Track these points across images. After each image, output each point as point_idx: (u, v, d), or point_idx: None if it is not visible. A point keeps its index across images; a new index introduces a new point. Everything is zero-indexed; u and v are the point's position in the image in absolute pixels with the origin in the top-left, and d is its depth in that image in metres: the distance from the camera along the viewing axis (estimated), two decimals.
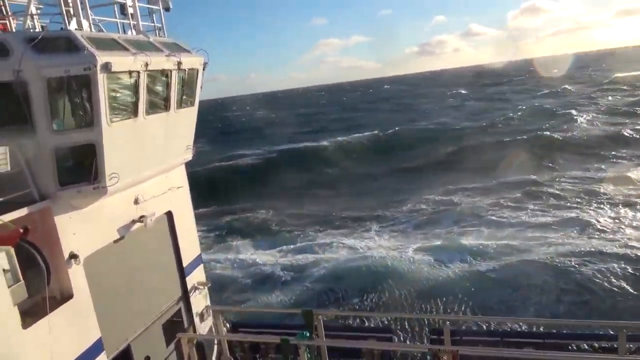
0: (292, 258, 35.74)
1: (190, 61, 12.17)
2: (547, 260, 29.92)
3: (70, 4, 9.77)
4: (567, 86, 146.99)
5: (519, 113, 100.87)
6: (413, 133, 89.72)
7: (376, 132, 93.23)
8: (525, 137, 73.21)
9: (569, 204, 42.10)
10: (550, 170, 56.31)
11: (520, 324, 19.96)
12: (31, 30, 9.96)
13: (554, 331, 19.89)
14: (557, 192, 45.90)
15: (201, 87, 13.16)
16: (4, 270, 7.83)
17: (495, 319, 22.09)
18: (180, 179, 14.31)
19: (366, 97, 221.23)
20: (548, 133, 73.94)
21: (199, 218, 17.26)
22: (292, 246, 38.50)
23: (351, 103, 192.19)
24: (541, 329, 20.14)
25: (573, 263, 29.31)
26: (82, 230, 10.19)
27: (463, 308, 26.35)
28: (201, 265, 15.67)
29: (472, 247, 33.67)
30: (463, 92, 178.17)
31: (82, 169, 9.71)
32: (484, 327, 20.61)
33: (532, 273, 28.77)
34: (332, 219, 45.78)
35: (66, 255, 9.74)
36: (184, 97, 12.49)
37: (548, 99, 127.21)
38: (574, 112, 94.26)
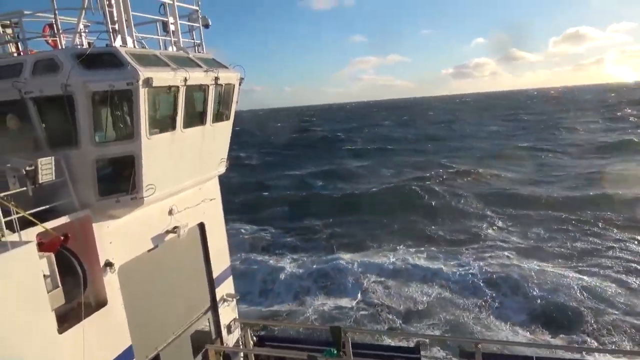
0: None
1: (227, 76, 12.47)
2: None
3: (116, 22, 10.21)
4: None
5: None
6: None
7: None
8: None
9: None
10: None
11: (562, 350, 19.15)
12: (79, 47, 10.45)
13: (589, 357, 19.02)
14: None
15: (237, 102, 13.45)
16: (44, 275, 8.12)
17: (530, 343, 21.31)
18: (213, 191, 14.56)
19: (422, 116, 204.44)
20: None
21: None
22: None
23: (418, 122, 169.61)
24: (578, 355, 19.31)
25: None
26: (118, 239, 10.48)
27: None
28: (230, 277, 15.81)
29: None
30: (524, 117, 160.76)
31: (120, 179, 10.04)
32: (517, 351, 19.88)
33: None
34: None
35: (102, 263, 10.03)
36: (220, 111, 12.79)
37: None
38: None
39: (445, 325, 27.52)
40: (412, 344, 19.68)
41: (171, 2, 11.87)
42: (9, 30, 11.30)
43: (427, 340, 22.22)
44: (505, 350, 19.23)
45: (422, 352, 14.96)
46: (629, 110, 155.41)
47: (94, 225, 9.88)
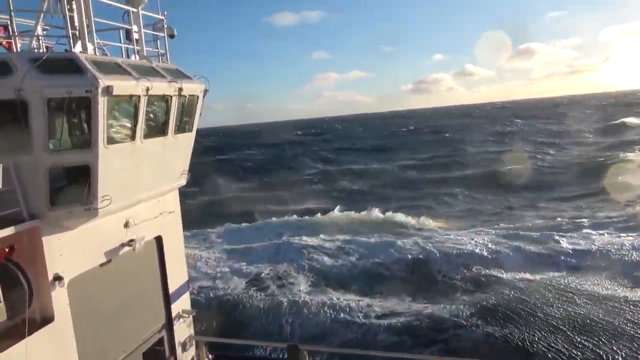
0: None
1: (191, 88, 12.29)
2: None
3: (77, 27, 9.91)
4: None
5: None
6: None
7: None
8: None
9: None
10: None
11: None
12: (36, 51, 10.06)
13: None
14: None
15: (200, 114, 13.25)
16: None
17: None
18: (172, 203, 14.19)
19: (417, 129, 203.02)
20: None
21: None
22: None
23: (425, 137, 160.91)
24: None
25: None
26: (70, 251, 9.99)
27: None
28: (187, 293, 15.36)
29: None
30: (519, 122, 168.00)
31: (74, 189, 9.61)
32: None
33: None
34: None
35: (50, 277, 9.52)
36: (183, 122, 12.56)
37: None
38: None
39: None
40: None
41: (136, 10, 11.66)
42: None
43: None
44: None
45: None
46: None
47: (43, 237, 9.39)
